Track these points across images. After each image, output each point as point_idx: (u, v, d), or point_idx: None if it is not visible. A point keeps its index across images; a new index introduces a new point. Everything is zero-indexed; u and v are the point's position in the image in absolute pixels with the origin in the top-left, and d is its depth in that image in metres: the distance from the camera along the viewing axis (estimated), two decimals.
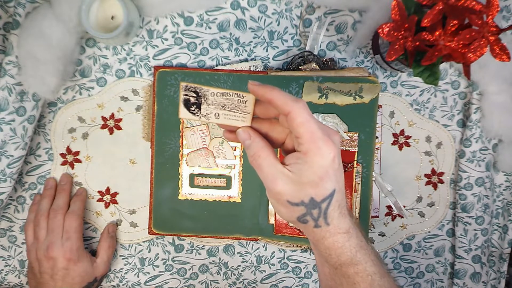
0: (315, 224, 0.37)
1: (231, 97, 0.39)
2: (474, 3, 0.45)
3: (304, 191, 0.36)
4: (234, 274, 0.65)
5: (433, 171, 0.65)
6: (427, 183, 0.65)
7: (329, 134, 0.36)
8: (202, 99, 0.39)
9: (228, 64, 0.61)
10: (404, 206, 0.66)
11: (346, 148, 0.60)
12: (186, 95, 0.39)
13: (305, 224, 0.38)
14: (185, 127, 0.60)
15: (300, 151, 0.36)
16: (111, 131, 0.62)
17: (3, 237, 0.63)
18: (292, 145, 0.38)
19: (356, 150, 0.60)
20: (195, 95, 0.39)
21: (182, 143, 0.60)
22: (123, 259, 0.64)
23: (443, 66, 0.62)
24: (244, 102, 0.39)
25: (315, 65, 0.60)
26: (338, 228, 0.38)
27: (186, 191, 0.61)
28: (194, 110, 0.39)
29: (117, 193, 0.63)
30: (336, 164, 0.36)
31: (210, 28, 0.60)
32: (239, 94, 0.38)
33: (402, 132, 0.64)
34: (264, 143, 0.38)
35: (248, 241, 0.64)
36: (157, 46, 0.60)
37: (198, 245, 0.65)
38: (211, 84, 0.59)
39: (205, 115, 0.39)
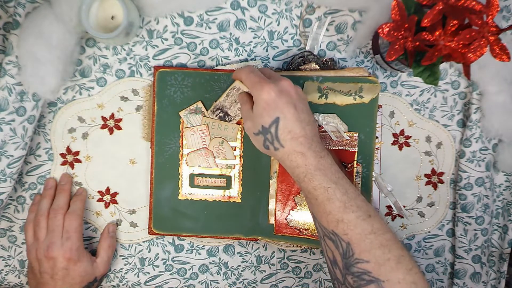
0: (274, 147, 0.48)
1: (231, 91, 0.57)
2: (474, 3, 0.45)
3: (257, 122, 0.48)
4: (234, 274, 0.65)
5: (433, 171, 0.65)
6: (427, 183, 0.65)
7: (272, 78, 0.49)
8: (224, 109, 0.58)
9: (228, 64, 0.61)
10: (404, 206, 0.66)
11: (346, 148, 0.60)
12: (217, 115, 0.59)
13: (269, 150, 0.49)
14: (185, 127, 0.60)
15: (252, 95, 0.49)
16: (111, 131, 0.62)
17: (3, 237, 0.63)
18: None
19: (356, 150, 0.60)
20: (219, 111, 0.59)
21: (182, 143, 0.60)
22: (123, 259, 0.64)
23: (443, 66, 0.62)
24: (237, 89, 0.57)
25: (315, 65, 0.60)
26: (293, 150, 0.47)
27: (186, 191, 0.61)
28: (230, 119, 0.59)
29: (117, 193, 0.63)
30: (275, 97, 0.46)
31: (210, 28, 0.60)
32: (232, 87, 0.57)
33: (402, 132, 0.64)
34: (247, 98, 0.52)
35: (248, 241, 0.64)
36: (157, 46, 0.60)
37: (198, 245, 0.65)
38: (211, 85, 0.59)
39: (235, 115, 0.59)
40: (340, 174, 0.48)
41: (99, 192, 0.63)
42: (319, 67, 0.60)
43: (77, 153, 0.62)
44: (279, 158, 0.49)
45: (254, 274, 0.66)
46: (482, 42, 0.46)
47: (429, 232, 0.66)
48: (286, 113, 0.47)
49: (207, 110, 0.60)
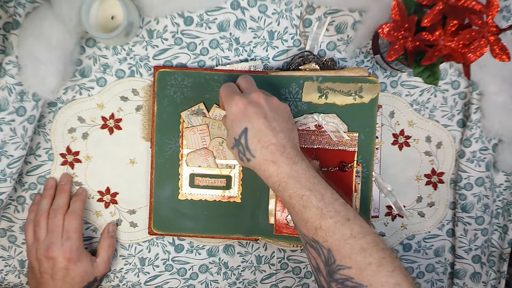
0: (246, 158, 0.48)
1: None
2: (474, 3, 0.45)
3: (230, 135, 0.49)
4: (234, 274, 0.65)
5: (433, 171, 0.65)
6: (427, 183, 0.65)
7: (245, 92, 0.50)
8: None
9: (228, 64, 0.61)
10: (404, 206, 0.66)
11: (346, 148, 0.60)
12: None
13: (245, 161, 0.49)
14: (185, 127, 0.60)
15: None
16: (111, 131, 0.62)
17: (3, 237, 0.63)
18: None
19: (356, 150, 0.60)
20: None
21: (182, 143, 0.60)
22: (123, 259, 0.64)
23: (443, 66, 0.62)
24: None
25: (315, 65, 0.60)
26: (264, 159, 0.47)
27: (186, 191, 0.61)
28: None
29: (117, 193, 0.63)
30: (242, 109, 0.47)
31: (210, 28, 0.60)
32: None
33: (402, 132, 0.64)
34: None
35: (248, 241, 0.64)
36: (157, 46, 0.60)
37: (198, 245, 0.65)
38: (211, 85, 0.59)
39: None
40: (316, 179, 0.47)
41: (99, 192, 0.63)
42: (319, 67, 0.60)
43: (77, 153, 0.62)
44: (253, 169, 0.49)
45: (254, 274, 0.66)
46: (482, 42, 0.46)
47: (429, 232, 0.66)
48: (254, 123, 0.47)
49: (208, 112, 0.60)
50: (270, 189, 0.50)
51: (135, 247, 0.64)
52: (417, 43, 0.48)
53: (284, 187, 0.46)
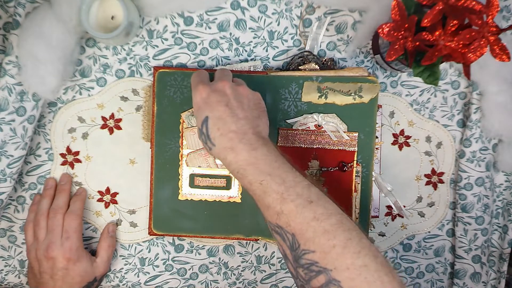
0: (209, 147, 0.48)
1: None
2: (474, 3, 0.45)
3: (196, 124, 0.50)
4: (234, 274, 0.65)
5: (433, 171, 0.65)
6: (427, 183, 0.65)
7: (214, 80, 0.50)
8: None
9: (228, 64, 0.61)
10: (404, 206, 0.66)
11: (346, 148, 0.60)
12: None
13: (210, 151, 0.48)
14: (185, 128, 0.60)
15: None
16: (111, 131, 0.62)
17: (3, 237, 0.63)
18: None
19: (356, 150, 0.60)
20: None
21: (182, 144, 0.60)
22: (123, 259, 0.64)
23: (443, 66, 0.62)
24: None
25: (315, 65, 0.60)
26: (222, 147, 0.46)
27: (186, 192, 0.61)
28: None
29: (117, 193, 0.63)
30: (204, 98, 0.48)
31: (210, 28, 0.60)
32: None
33: (402, 132, 0.64)
34: None
35: (248, 241, 0.64)
36: (157, 46, 0.60)
37: (198, 245, 0.65)
38: None
39: None
40: (277, 163, 0.45)
41: (99, 192, 0.63)
42: (318, 67, 0.60)
43: (77, 153, 0.62)
44: (216, 157, 0.49)
45: (254, 274, 0.66)
46: (482, 42, 0.46)
47: (429, 232, 0.66)
48: (215, 111, 0.47)
49: None
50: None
51: (135, 247, 0.64)
52: (417, 43, 0.48)
53: (243, 173, 0.45)
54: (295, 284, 0.66)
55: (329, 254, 0.40)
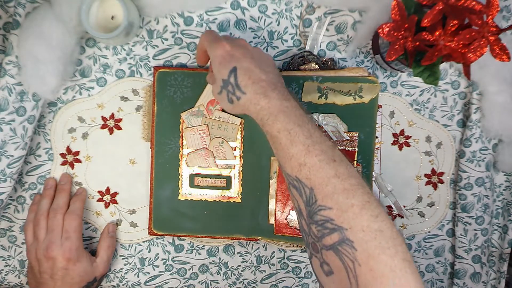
0: (236, 97, 0.46)
1: None
2: (474, 3, 0.45)
3: (217, 78, 0.48)
4: (234, 274, 0.65)
5: (433, 171, 0.65)
6: (427, 183, 0.65)
7: (223, 38, 0.48)
8: None
9: None
10: (404, 206, 0.66)
11: (346, 148, 0.60)
12: None
13: (234, 103, 0.47)
14: (185, 128, 0.60)
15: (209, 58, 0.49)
16: (111, 131, 0.62)
17: (3, 237, 0.63)
18: None
19: (356, 150, 0.60)
20: None
21: (182, 144, 0.60)
22: (123, 259, 0.64)
23: (443, 66, 0.62)
24: None
25: (315, 65, 0.60)
26: (255, 93, 0.45)
27: (186, 191, 0.61)
28: None
29: (117, 193, 0.63)
30: (229, 50, 0.47)
31: (210, 28, 0.60)
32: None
33: (402, 132, 0.64)
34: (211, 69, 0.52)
35: (248, 241, 0.64)
36: (157, 46, 0.60)
37: (198, 245, 0.65)
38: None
39: None
40: (306, 118, 0.45)
41: (99, 192, 0.63)
42: (319, 67, 0.60)
43: (77, 153, 0.62)
44: (243, 108, 0.47)
45: (254, 274, 0.66)
46: (482, 42, 0.46)
47: (429, 232, 0.66)
48: (243, 62, 0.46)
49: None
50: (260, 126, 0.47)
51: (135, 247, 0.64)
52: (417, 43, 0.48)
53: (274, 120, 0.44)
54: (297, 285, 0.66)
55: (346, 213, 0.39)
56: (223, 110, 0.60)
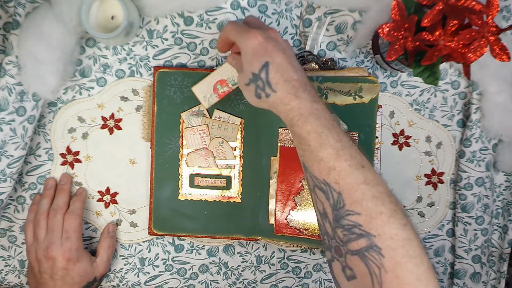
0: (266, 94, 0.45)
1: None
2: (474, 3, 0.45)
3: (246, 71, 0.46)
4: (234, 274, 0.65)
5: (433, 171, 0.65)
6: (427, 183, 0.65)
7: (255, 26, 0.48)
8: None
9: None
10: (404, 206, 0.66)
11: None
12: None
13: (262, 99, 0.46)
14: (185, 128, 0.60)
15: (239, 47, 0.47)
16: (111, 131, 0.62)
17: (3, 237, 0.63)
18: None
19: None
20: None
21: (182, 144, 0.60)
22: (123, 259, 0.64)
23: (443, 66, 0.62)
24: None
25: (315, 65, 0.60)
26: (286, 92, 0.44)
27: (186, 191, 0.61)
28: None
29: (117, 193, 0.63)
30: (263, 42, 0.45)
31: (210, 28, 0.60)
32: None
33: (402, 132, 0.64)
34: (235, 55, 0.51)
35: (248, 241, 0.64)
36: (157, 46, 0.60)
37: (198, 245, 0.65)
38: None
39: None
40: (334, 122, 0.45)
41: (99, 192, 0.63)
42: (318, 67, 0.60)
43: (77, 153, 0.62)
44: (271, 105, 0.46)
45: (254, 274, 0.66)
46: (482, 42, 0.46)
47: (429, 232, 0.66)
48: (276, 57, 0.45)
49: (208, 112, 0.60)
50: (288, 126, 0.46)
51: (135, 247, 0.64)
52: (417, 43, 0.48)
53: (304, 121, 0.43)
54: (297, 285, 0.66)
55: (375, 220, 0.40)
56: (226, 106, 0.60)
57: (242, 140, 0.61)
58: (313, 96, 0.45)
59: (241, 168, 0.61)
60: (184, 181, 0.61)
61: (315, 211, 0.46)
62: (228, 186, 0.61)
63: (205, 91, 0.57)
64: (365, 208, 0.40)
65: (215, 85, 0.56)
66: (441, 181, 0.65)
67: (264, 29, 0.47)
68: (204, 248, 0.65)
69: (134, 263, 0.64)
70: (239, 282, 0.66)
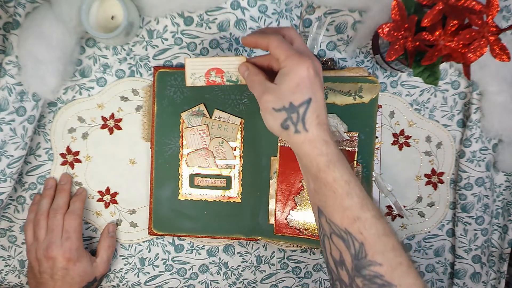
0: (295, 129, 0.43)
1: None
2: (474, 3, 0.45)
3: (284, 97, 0.42)
4: (234, 274, 0.65)
5: (433, 171, 0.65)
6: (427, 183, 0.65)
7: (304, 52, 0.44)
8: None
9: None
10: (404, 206, 0.66)
11: (346, 148, 0.60)
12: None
13: (287, 130, 0.43)
14: (185, 128, 0.60)
15: (281, 67, 0.43)
16: (111, 131, 0.62)
17: (3, 237, 0.63)
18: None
19: (356, 150, 0.60)
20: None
21: (182, 143, 0.60)
22: (123, 259, 0.64)
23: (443, 66, 0.62)
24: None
25: None
26: (317, 136, 0.43)
27: (186, 191, 0.61)
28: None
29: (117, 193, 0.63)
30: (312, 76, 0.42)
31: (210, 28, 0.60)
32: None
33: (402, 132, 0.64)
34: (258, 70, 0.46)
35: (248, 241, 0.64)
36: (157, 46, 0.60)
37: (198, 245, 0.65)
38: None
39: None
40: (352, 170, 0.45)
41: (99, 192, 0.63)
42: None
43: (77, 153, 0.62)
44: (295, 143, 0.44)
45: (254, 274, 0.66)
46: (482, 42, 0.46)
47: (429, 232, 0.66)
48: (318, 96, 0.43)
49: (209, 113, 0.60)
50: (311, 171, 0.44)
51: (135, 247, 0.64)
52: (417, 43, 0.48)
53: (332, 168, 0.42)
54: (297, 285, 0.66)
55: (396, 271, 0.41)
56: (222, 111, 0.60)
57: (242, 140, 0.61)
58: (337, 141, 0.44)
59: (241, 168, 0.61)
60: (184, 181, 0.61)
61: (327, 257, 0.46)
62: (228, 186, 0.61)
63: (196, 68, 0.51)
64: (386, 259, 0.41)
65: (210, 70, 0.50)
66: (441, 181, 0.65)
67: (312, 57, 0.44)
68: (204, 248, 0.65)
69: (134, 263, 0.64)
70: (239, 282, 0.66)
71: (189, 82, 0.51)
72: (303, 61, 0.42)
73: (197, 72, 0.51)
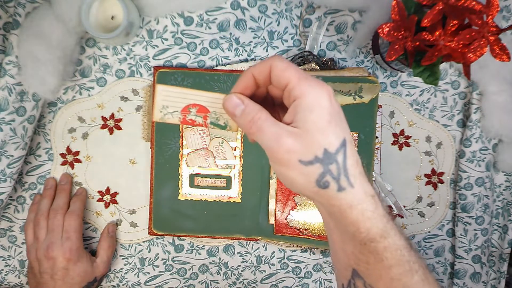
0: (338, 187, 0.31)
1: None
2: (474, 3, 0.45)
3: (315, 141, 0.30)
4: (234, 274, 0.65)
5: (433, 171, 0.65)
6: (427, 183, 0.65)
7: (314, 80, 0.32)
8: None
9: (228, 64, 0.61)
10: (404, 206, 0.66)
11: None
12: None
13: (327, 190, 0.31)
14: (185, 128, 0.60)
15: (295, 96, 0.31)
16: (111, 131, 0.62)
17: (3, 237, 0.63)
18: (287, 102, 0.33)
19: (356, 150, 0.60)
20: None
21: (182, 144, 0.60)
22: (123, 259, 0.64)
23: (443, 66, 0.62)
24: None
25: (315, 65, 0.60)
26: (364, 192, 0.32)
27: (186, 192, 0.61)
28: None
29: (117, 193, 0.63)
30: (336, 105, 0.32)
31: (210, 28, 0.60)
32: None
33: (402, 132, 0.64)
34: (259, 106, 0.33)
35: (248, 241, 0.64)
36: (157, 46, 0.60)
37: (198, 245, 0.65)
38: (211, 85, 0.59)
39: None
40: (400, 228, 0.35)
41: (99, 192, 0.63)
42: (318, 67, 0.60)
43: (77, 153, 0.62)
44: (339, 205, 0.32)
45: (254, 274, 0.66)
46: (482, 42, 0.46)
47: (429, 232, 0.66)
48: (348, 134, 0.32)
49: None
50: (341, 233, 0.34)
51: (135, 247, 0.64)
52: (417, 43, 0.48)
53: (385, 235, 0.33)
54: (297, 285, 0.66)
55: None
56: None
57: (242, 140, 0.61)
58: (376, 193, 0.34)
59: (241, 168, 0.61)
60: (184, 181, 0.61)
61: None
62: (228, 186, 0.61)
63: (171, 100, 0.38)
64: None
65: (190, 106, 0.37)
66: (441, 181, 0.65)
67: (324, 83, 0.32)
68: (204, 248, 0.65)
69: (134, 263, 0.64)
70: (239, 282, 0.66)
71: (157, 116, 0.38)
72: (322, 89, 0.31)
73: (171, 105, 0.38)
